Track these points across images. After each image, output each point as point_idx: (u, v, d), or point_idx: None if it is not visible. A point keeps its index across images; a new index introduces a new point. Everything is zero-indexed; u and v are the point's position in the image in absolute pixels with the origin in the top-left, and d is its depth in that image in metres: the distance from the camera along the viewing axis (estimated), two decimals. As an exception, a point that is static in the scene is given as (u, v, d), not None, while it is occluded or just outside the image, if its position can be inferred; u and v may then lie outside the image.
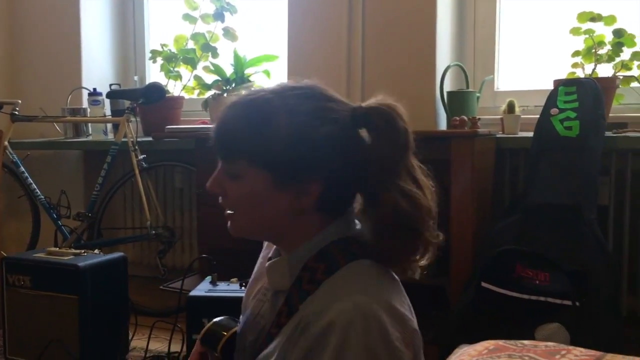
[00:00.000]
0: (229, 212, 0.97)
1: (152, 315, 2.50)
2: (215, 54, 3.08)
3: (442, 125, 2.46)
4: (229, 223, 0.98)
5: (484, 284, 1.68)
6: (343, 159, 0.91)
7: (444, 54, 2.50)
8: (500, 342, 0.98)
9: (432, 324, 2.01)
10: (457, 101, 2.36)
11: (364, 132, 0.93)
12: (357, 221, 0.98)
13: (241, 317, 1.11)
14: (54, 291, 2.08)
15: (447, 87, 2.44)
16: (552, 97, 2.08)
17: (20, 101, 2.96)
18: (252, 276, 1.13)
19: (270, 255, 1.05)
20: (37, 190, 2.91)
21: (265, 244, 1.13)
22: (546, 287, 1.61)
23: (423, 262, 0.94)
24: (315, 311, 0.85)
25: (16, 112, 2.92)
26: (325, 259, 0.91)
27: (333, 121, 0.91)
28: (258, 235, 1.01)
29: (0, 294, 2.20)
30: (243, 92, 1.01)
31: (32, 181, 2.91)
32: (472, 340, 0.86)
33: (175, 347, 2.15)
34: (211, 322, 1.08)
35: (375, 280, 0.89)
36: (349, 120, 0.92)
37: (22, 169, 2.91)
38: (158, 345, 2.30)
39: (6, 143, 2.80)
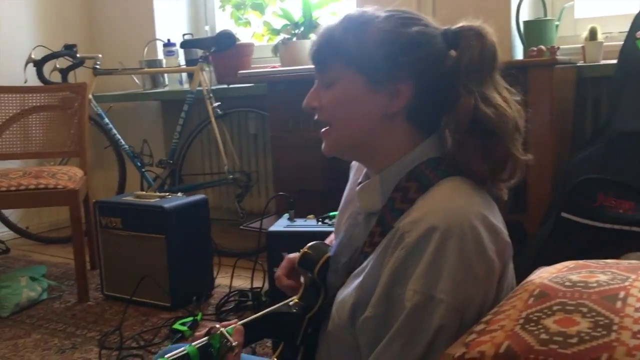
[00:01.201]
0: (324, 129, 1.00)
1: (233, 255, 2.62)
2: (283, -1, 3.08)
3: (519, 56, 2.37)
4: (323, 143, 1.01)
5: (564, 214, 1.64)
6: (433, 63, 0.93)
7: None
8: (581, 262, 0.97)
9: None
10: (535, 31, 2.26)
11: (452, 53, 0.95)
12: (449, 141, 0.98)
13: (333, 241, 1.15)
14: (143, 231, 2.21)
15: (524, 17, 2.33)
16: (637, 20, 1.95)
17: (100, 55, 3.09)
18: (342, 202, 1.16)
19: (359, 180, 1.08)
20: (121, 140, 3.06)
21: (353, 170, 1.15)
22: (631, 216, 1.56)
23: (513, 182, 0.94)
24: (410, 221, 0.86)
25: (97, 66, 3.05)
26: (416, 178, 0.93)
27: (424, 25, 0.95)
28: (351, 148, 1.01)
29: (95, 235, 2.36)
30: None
31: (116, 132, 3.06)
32: (552, 270, 0.86)
33: (257, 283, 2.24)
34: (307, 246, 1.13)
35: (468, 193, 0.89)
36: (441, 36, 0.95)
37: (106, 120, 3.06)
38: (240, 283, 2.41)
39: (90, 96, 2.94)
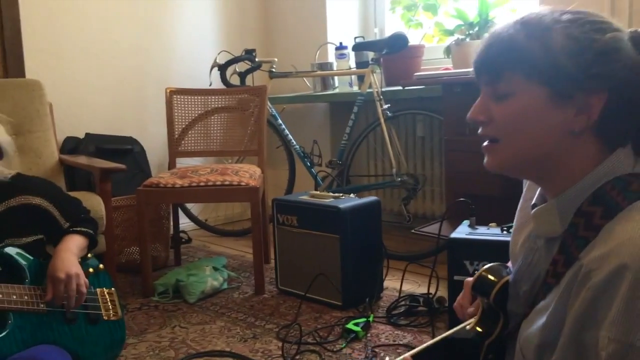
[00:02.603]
0: (488, 143, 0.91)
1: (401, 259, 2.61)
2: (457, -2, 3.01)
3: None
4: (486, 157, 0.92)
5: None
6: (627, 70, 0.83)
7: None
8: None
9: None
10: None
11: None
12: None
13: (510, 265, 1.08)
14: (318, 230, 2.27)
15: None
16: None
17: (276, 59, 3.24)
18: (515, 223, 1.08)
19: (534, 202, 0.99)
20: (293, 141, 3.18)
21: (526, 188, 1.07)
22: None
23: None
24: (596, 257, 0.77)
25: (273, 70, 3.20)
26: (602, 202, 0.83)
27: (616, 30, 0.85)
28: (523, 167, 0.92)
29: (272, 231, 2.48)
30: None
31: (288, 132, 3.19)
32: None
33: (423, 290, 2.20)
34: (482, 269, 1.06)
35: None
36: (629, 39, 0.85)
37: (280, 121, 3.20)
38: (408, 287, 2.39)
39: (267, 97, 3.09)
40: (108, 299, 1.68)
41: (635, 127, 0.87)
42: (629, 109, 0.85)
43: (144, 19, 3.33)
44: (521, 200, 1.10)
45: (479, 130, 0.93)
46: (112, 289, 1.72)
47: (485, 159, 0.93)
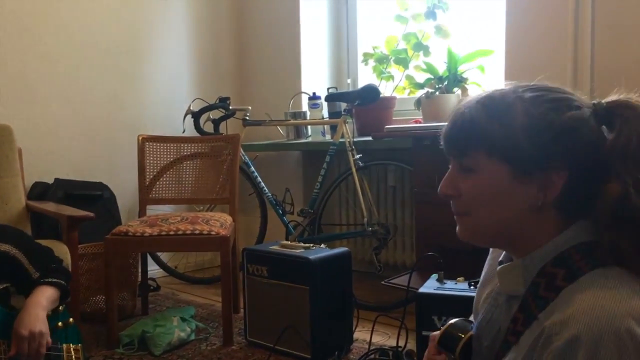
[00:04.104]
0: (459, 215, 0.95)
1: (372, 309, 2.60)
2: (427, 53, 3.10)
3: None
4: (458, 227, 0.96)
5: None
6: (588, 148, 0.86)
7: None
8: None
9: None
10: None
11: (604, 130, 0.88)
12: None
13: (473, 320, 1.10)
14: (288, 281, 2.26)
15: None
16: None
17: (250, 107, 3.27)
18: (482, 278, 1.10)
19: (501, 259, 1.02)
20: (265, 188, 3.19)
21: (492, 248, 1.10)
22: None
23: None
24: (557, 322, 0.79)
25: (247, 118, 3.23)
26: (564, 264, 0.86)
27: (576, 107, 0.87)
28: (491, 237, 0.96)
29: (241, 281, 2.45)
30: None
31: (260, 180, 3.20)
32: None
33: (393, 342, 2.19)
34: (447, 324, 1.08)
35: (625, 290, 0.79)
36: (590, 114, 0.88)
37: (252, 168, 3.21)
38: (378, 339, 2.38)
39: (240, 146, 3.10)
40: (73, 356, 1.64)
41: (593, 197, 0.89)
42: (590, 185, 0.88)
43: (117, 66, 3.35)
44: (489, 256, 1.12)
45: (451, 203, 0.96)
46: (79, 344, 1.68)
47: (458, 230, 0.97)
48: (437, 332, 1.10)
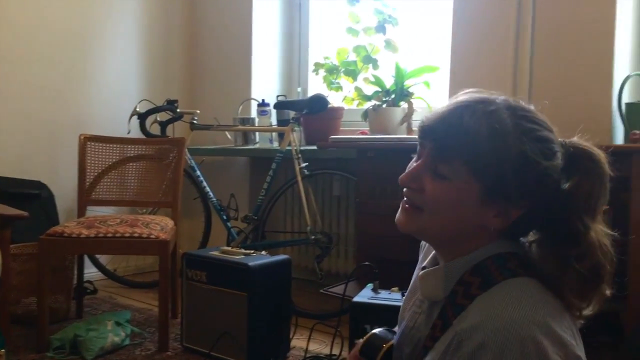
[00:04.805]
0: (410, 207, 0.96)
1: (310, 317, 2.61)
2: (375, 66, 3.15)
3: (619, 139, 2.30)
4: (402, 215, 0.97)
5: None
6: (551, 194, 0.91)
7: (622, 63, 2.34)
8: None
9: (601, 352, 1.88)
10: (638, 113, 2.19)
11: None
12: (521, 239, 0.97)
13: (397, 328, 1.13)
14: (226, 287, 2.25)
15: (626, 99, 2.28)
16: None
17: (198, 111, 3.25)
18: (410, 287, 1.14)
19: (425, 264, 1.05)
20: (210, 193, 3.17)
21: (422, 254, 1.13)
22: None
23: (587, 312, 0.91)
24: (467, 328, 0.83)
25: (195, 121, 3.20)
26: (481, 274, 0.90)
27: (555, 155, 0.91)
28: (430, 237, 0.99)
29: (179, 285, 2.43)
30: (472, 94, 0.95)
31: (206, 184, 3.18)
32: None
33: (335, 350, 2.21)
34: (370, 334, 1.11)
35: (533, 300, 0.84)
36: (561, 157, 0.92)
37: (198, 173, 3.18)
38: (315, 347, 2.39)
39: (185, 149, 3.08)
40: (-6, 361, 1.59)
41: (535, 228, 0.95)
42: (535, 223, 0.94)
43: (62, 63, 3.27)
44: (417, 267, 1.15)
45: (405, 190, 0.97)
46: (2, 350, 1.62)
47: (401, 218, 0.97)
48: (362, 340, 1.12)
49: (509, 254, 0.92)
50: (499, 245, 0.93)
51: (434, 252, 1.04)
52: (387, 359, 1.04)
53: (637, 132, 2.04)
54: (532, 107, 0.94)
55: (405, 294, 1.13)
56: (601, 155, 0.92)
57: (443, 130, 0.91)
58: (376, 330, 1.09)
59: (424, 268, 1.03)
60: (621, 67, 2.33)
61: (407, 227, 0.97)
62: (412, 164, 0.97)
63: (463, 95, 0.94)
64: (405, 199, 0.97)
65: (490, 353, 0.78)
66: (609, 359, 1.76)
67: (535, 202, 0.91)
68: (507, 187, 0.89)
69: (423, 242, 1.13)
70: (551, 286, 0.88)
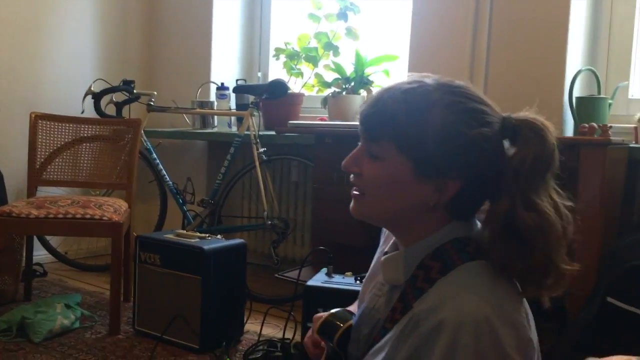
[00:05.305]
0: (356, 192, 0.98)
1: (265, 302, 2.62)
2: (336, 53, 3.15)
3: (569, 132, 2.37)
4: (352, 203, 0.99)
5: (609, 300, 1.61)
6: (486, 164, 0.91)
7: (575, 58, 2.40)
8: (634, 358, 0.94)
9: (546, 337, 1.94)
10: (587, 107, 2.26)
11: (506, 143, 0.94)
12: (478, 223, 0.98)
13: (356, 309, 1.14)
14: (180, 270, 2.23)
15: (577, 93, 2.34)
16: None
17: (156, 93, 3.19)
18: (369, 271, 1.15)
19: (386, 249, 1.07)
20: (167, 176, 3.12)
21: (383, 239, 1.15)
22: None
23: (557, 293, 0.91)
24: (426, 309, 0.85)
25: (152, 103, 3.15)
26: (440, 258, 0.92)
27: (487, 124, 0.91)
28: (380, 221, 1.01)
29: (132, 269, 2.39)
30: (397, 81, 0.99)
31: (162, 167, 3.13)
32: (595, 359, 0.83)
33: (288, 334, 2.23)
34: (328, 313, 1.12)
35: (489, 283, 0.87)
36: (498, 128, 0.93)
37: (154, 155, 3.13)
38: (270, 331, 2.40)
39: (141, 131, 3.02)
40: None
41: (481, 204, 0.96)
42: (480, 195, 0.94)
43: (13, 38, 3.16)
44: (377, 251, 1.16)
45: (351, 178, 0.99)
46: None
47: (352, 205, 1.00)
48: (321, 314, 1.13)
49: (465, 238, 0.93)
50: (455, 228, 0.94)
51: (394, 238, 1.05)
52: (344, 338, 1.05)
53: (586, 125, 2.11)
54: (463, 84, 0.95)
55: (365, 278, 1.14)
56: (544, 124, 0.91)
57: (368, 113, 0.95)
58: (334, 311, 1.11)
59: (385, 253, 1.04)
60: (573, 62, 2.39)
61: (356, 214, 0.99)
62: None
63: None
64: (351, 185, 1.00)
65: (445, 333, 0.80)
66: (552, 345, 1.82)
67: (469, 173, 0.91)
68: (433, 159, 0.90)
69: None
70: (499, 264, 0.89)
